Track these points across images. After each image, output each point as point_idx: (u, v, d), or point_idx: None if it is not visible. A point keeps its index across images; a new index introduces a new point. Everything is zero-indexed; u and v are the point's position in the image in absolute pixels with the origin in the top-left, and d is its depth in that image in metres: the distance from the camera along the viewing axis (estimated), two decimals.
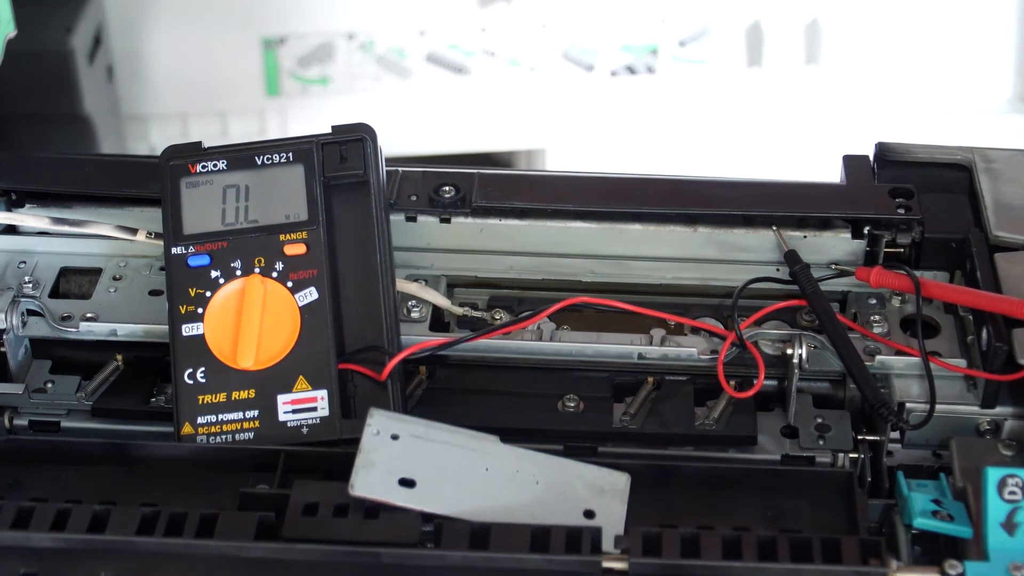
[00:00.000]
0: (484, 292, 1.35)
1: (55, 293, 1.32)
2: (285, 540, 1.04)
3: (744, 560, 1.03)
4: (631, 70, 2.58)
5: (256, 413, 1.18)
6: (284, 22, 2.51)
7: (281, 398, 1.18)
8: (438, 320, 1.30)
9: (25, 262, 1.34)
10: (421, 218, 1.33)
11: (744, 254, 1.33)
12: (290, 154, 1.24)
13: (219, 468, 1.13)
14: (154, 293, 1.31)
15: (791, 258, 1.28)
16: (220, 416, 1.18)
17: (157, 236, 1.31)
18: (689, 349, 1.25)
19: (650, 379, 1.25)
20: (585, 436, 1.22)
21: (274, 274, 1.21)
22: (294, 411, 1.18)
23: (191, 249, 1.22)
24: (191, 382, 1.19)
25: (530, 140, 2.66)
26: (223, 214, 1.23)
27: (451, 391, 1.26)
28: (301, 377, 1.18)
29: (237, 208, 1.23)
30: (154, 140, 2.57)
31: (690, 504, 1.11)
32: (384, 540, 1.04)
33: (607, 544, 1.04)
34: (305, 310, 1.20)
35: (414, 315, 1.28)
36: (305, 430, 1.17)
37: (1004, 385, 1.18)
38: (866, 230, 1.31)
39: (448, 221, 1.33)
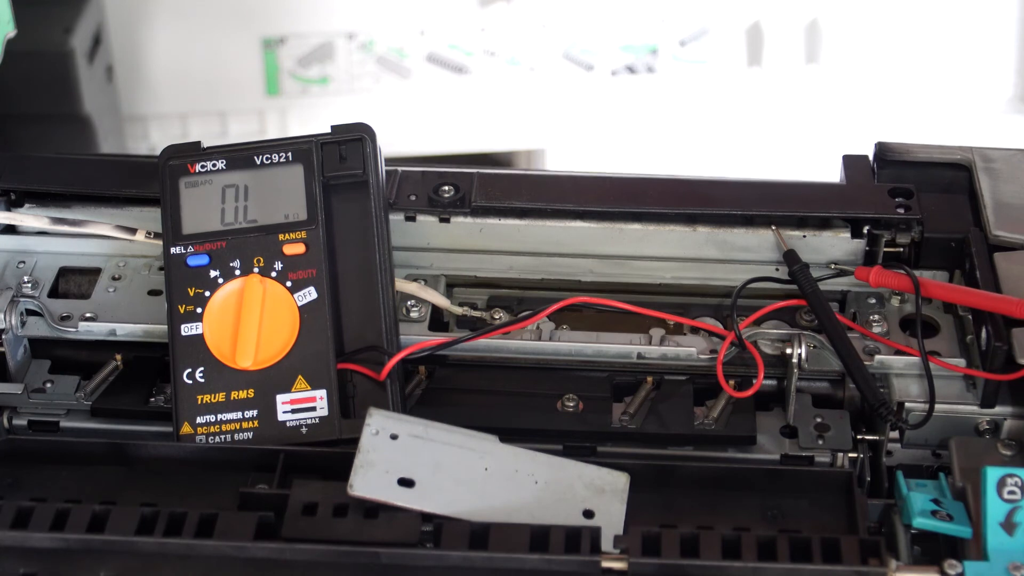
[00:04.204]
0: (483, 292, 1.35)
1: (54, 293, 1.32)
2: (284, 540, 1.04)
3: (743, 560, 1.03)
4: (631, 70, 2.58)
5: (255, 413, 1.18)
6: (284, 22, 2.51)
7: (280, 398, 1.18)
8: (437, 320, 1.30)
9: (24, 262, 1.34)
10: (420, 218, 1.33)
11: (743, 254, 1.33)
12: (289, 154, 1.24)
13: (218, 468, 1.13)
14: (153, 293, 1.31)
15: (790, 258, 1.28)
16: (219, 416, 1.18)
17: (156, 236, 1.31)
18: (688, 349, 1.25)
19: (649, 379, 1.25)
20: (584, 436, 1.22)
21: (273, 274, 1.21)
22: (293, 411, 1.18)
23: (190, 249, 1.22)
24: (190, 382, 1.19)
25: (530, 140, 2.66)
26: (222, 214, 1.23)
27: (450, 391, 1.26)
28: (300, 377, 1.18)
29: (236, 208, 1.23)
30: (154, 140, 2.57)
31: (689, 504, 1.11)
32: (384, 540, 1.04)
33: (606, 544, 1.04)
34: (304, 310, 1.20)
35: (413, 315, 1.28)
36: (304, 430, 1.17)
37: (1003, 385, 1.18)
38: (865, 230, 1.31)
39: (447, 221, 1.33)
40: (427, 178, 1.34)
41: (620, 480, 1.10)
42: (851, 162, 1.38)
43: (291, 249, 1.22)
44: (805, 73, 2.59)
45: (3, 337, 1.27)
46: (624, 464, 1.11)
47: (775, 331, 1.26)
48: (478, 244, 1.34)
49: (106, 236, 1.33)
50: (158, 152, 1.27)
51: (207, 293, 1.21)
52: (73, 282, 1.34)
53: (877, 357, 1.23)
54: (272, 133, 2.56)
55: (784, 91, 2.60)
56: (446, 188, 1.33)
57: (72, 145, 2.35)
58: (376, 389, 1.19)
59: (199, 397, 1.18)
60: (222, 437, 1.18)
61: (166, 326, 1.21)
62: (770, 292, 1.30)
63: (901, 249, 1.31)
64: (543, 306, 1.26)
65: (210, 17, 2.50)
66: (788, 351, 1.23)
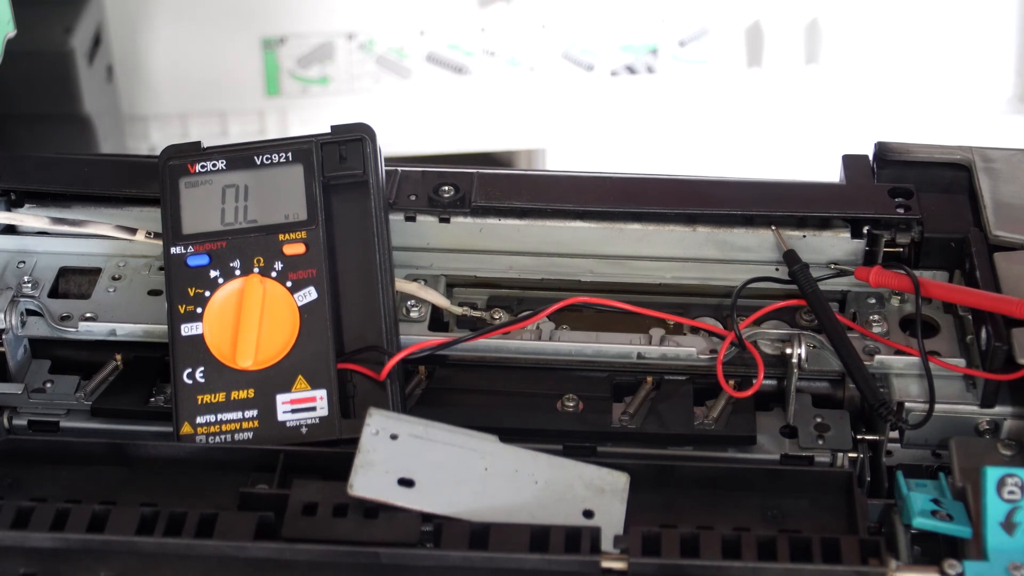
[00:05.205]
0: (483, 292, 1.35)
1: (54, 293, 1.32)
2: (284, 540, 1.04)
3: (743, 560, 1.03)
4: (631, 70, 2.58)
5: (255, 413, 1.18)
6: (284, 22, 2.52)
7: (280, 398, 1.18)
8: (437, 320, 1.30)
9: (24, 262, 1.34)
10: (420, 218, 1.33)
11: (743, 254, 1.33)
12: (289, 154, 1.24)
13: (218, 468, 1.13)
14: (153, 293, 1.31)
15: (790, 258, 1.28)
16: (219, 416, 1.18)
17: (156, 236, 1.31)
18: (688, 349, 1.25)
19: (649, 379, 1.25)
20: (584, 436, 1.22)
21: (273, 274, 1.21)
22: (293, 411, 1.18)
23: (190, 249, 1.22)
24: (190, 382, 1.19)
25: (530, 140, 2.66)
26: (222, 214, 1.23)
27: (450, 391, 1.26)
28: (300, 377, 1.18)
29: (236, 208, 1.23)
30: (154, 140, 2.57)
31: (690, 504, 1.11)
32: (384, 540, 1.04)
33: (606, 544, 1.04)
34: (304, 310, 1.20)
35: (413, 315, 1.28)
36: (304, 430, 1.17)
37: (1003, 385, 1.18)
38: (865, 230, 1.31)
39: (447, 221, 1.33)
40: (427, 178, 1.34)
41: (620, 480, 1.10)
42: (851, 162, 1.38)
43: (291, 249, 1.22)
44: (805, 73, 2.59)
45: (3, 337, 1.27)
46: (624, 464, 1.11)
47: (775, 331, 1.26)
48: (478, 244, 1.34)
49: (106, 236, 1.33)
50: (158, 152, 1.27)
51: (207, 293, 1.21)
52: (73, 282, 1.34)
53: (877, 357, 1.23)
54: (272, 133, 2.56)
55: (784, 91, 2.60)
56: (446, 188, 1.33)
57: (72, 145, 2.35)
58: (376, 389, 1.19)
59: (199, 397, 1.18)
60: (222, 437, 1.18)
61: (166, 326, 1.21)
62: (770, 292, 1.30)
63: (901, 249, 1.31)
64: (543, 306, 1.26)
65: (210, 17, 2.50)
66: (788, 351, 1.23)
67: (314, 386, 1.18)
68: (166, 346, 1.21)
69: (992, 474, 1.06)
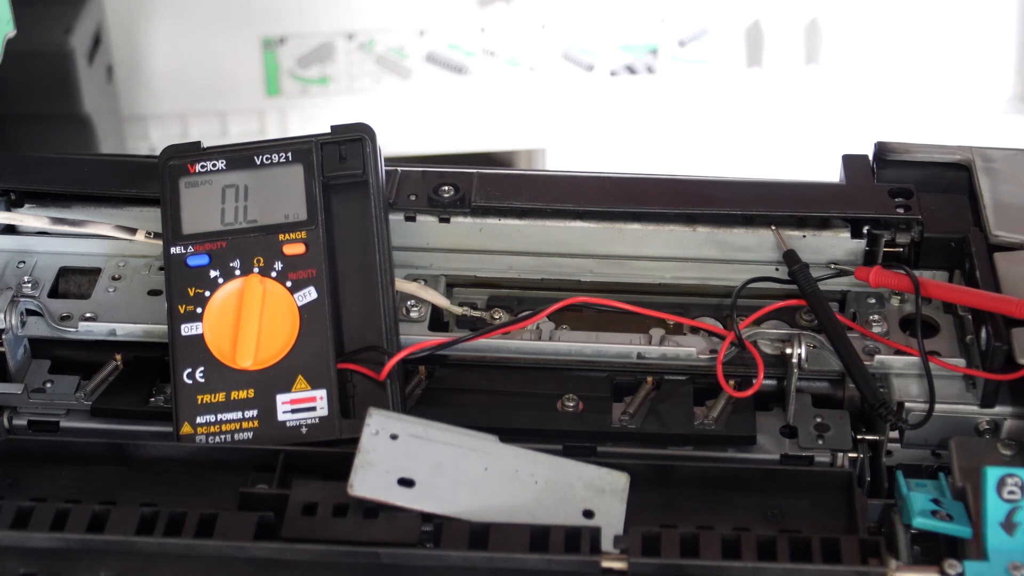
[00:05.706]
0: (483, 292, 1.35)
1: (54, 293, 1.32)
2: (284, 540, 1.04)
3: (743, 560, 1.03)
4: (631, 70, 2.58)
5: (255, 413, 1.18)
6: (284, 22, 2.52)
7: (280, 398, 1.18)
8: (437, 320, 1.30)
9: (24, 262, 1.34)
10: (420, 218, 1.33)
11: (743, 254, 1.32)
12: (289, 154, 1.24)
13: (218, 468, 1.13)
14: (153, 293, 1.31)
15: (790, 258, 1.28)
16: (219, 416, 1.18)
17: (156, 236, 1.31)
18: (688, 349, 1.25)
19: (649, 379, 1.25)
20: (584, 436, 1.22)
21: (273, 274, 1.21)
22: (293, 411, 1.18)
23: (190, 249, 1.22)
24: (190, 382, 1.19)
25: (530, 140, 2.66)
26: (222, 214, 1.23)
27: (450, 391, 1.26)
28: (300, 377, 1.18)
29: (236, 208, 1.23)
30: (154, 140, 2.58)
31: (689, 504, 1.11)
32: (383, 540, 1.04)
33: (606, 544, 1.04)
34: (304, 310, 1.20)
35: (413, 315, 1.28)
36: (304, 430, 1.17)
37: (1003, 385, 1.18)
38: (865, 230, 1.31)
39: (447, 221, 1.33)
40: (427, 178, 1.34)
41: (620, 480, 1.10)
42: (851, 162, 1.38)
43: (291, 249, 1.22)
44: (805, 73, 2.59)
45: (3, 337, 1.27)
46: (624, 464, 1.11)
47: (775, 331, 1.26)
48: (478, 244, 1.34)
49: (106, 236, 1.33)
50: (158, 152, 1.27)
51: (207, 293, 1.21)
52: (73, 282, 1.34)
53: (877, 357, 1.23)
54: (272, 133, 2.57)
55: (784, 91, 2.60)
56: (446, 188, 1.33)
57: (72, 145, 2.36)
58: (376, 389, 1.19)
59: (199, 397, 1.18)
60: (222, 437, 1.18)
61: (166, 326, 1.21)
62: (770, 292, 1.30)
63: (901, 249, 1.31)
64: (543, 306, 1.26)
65: (210, 17, 2.50)
66: (788, 351, 1.23)
67: (314, 386, 1.18)
68: (166, 346, 1.21)
69: (992, 474, 1.06)
